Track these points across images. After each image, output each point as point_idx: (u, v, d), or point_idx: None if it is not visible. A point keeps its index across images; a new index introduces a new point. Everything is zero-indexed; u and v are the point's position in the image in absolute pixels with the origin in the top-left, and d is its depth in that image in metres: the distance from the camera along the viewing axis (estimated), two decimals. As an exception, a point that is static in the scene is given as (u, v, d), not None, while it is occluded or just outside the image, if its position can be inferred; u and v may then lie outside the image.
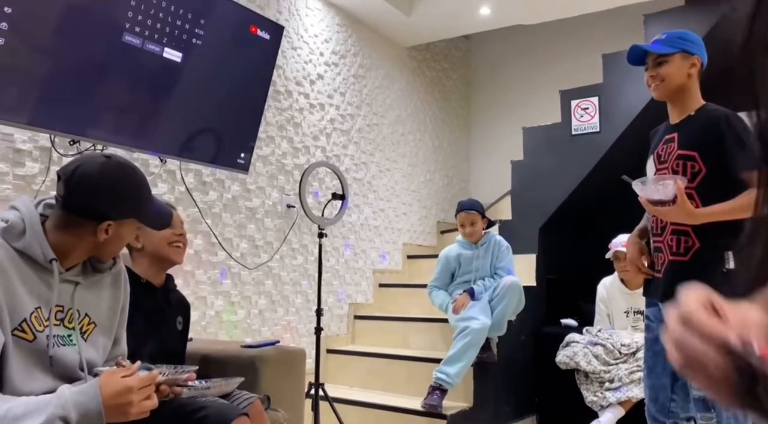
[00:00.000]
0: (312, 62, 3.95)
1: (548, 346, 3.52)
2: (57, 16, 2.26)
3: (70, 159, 2.51)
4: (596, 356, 3.14)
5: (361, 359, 3.79)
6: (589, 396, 3.11)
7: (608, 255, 3.38)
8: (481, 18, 4.32)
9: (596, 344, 3.19)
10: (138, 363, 1.23)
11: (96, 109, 2.43)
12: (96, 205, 1.34)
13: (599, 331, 3.31)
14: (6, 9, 2.07)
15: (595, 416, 3.07)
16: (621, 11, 4.27)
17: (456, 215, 3.52)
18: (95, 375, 1.29)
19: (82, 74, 2.36)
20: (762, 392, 0.42)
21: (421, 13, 4.34)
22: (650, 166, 2.01)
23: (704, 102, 1.98)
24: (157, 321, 1.81)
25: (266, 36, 3.06)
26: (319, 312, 3.13)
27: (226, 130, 2.99)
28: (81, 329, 1.38)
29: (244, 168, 3.13)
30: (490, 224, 3.52)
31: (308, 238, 3.79)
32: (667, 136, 1.97)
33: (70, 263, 1.37)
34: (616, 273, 3.41)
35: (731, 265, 1.78)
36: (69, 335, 1.35)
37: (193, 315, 3.04)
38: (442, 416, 3.05)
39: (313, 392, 2.95)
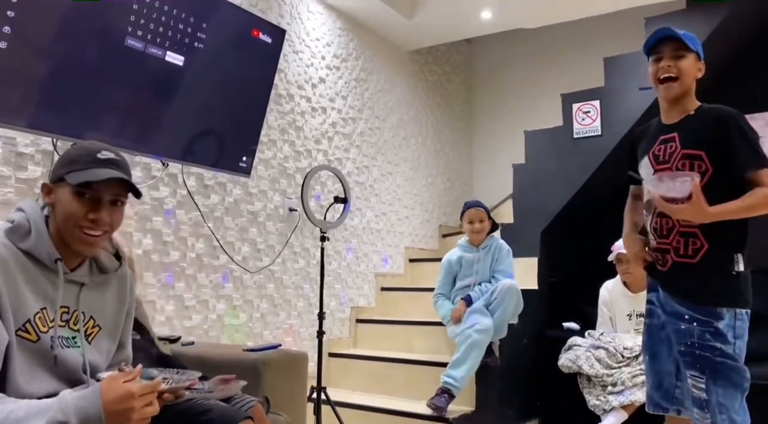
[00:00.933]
0: (314, 66, 3.95)
1: (550, 349, 3.51)
2: (59, 19, 2.26)
3: (72, 163, 2.52)
4: (599, 360, 3.13)
5: (363, 362, 3.78)
6: (592, 400, 3.10)
7: (610, 258, 3.37)
8: (483, 22, 4.32)
9: (599, 347, 3.18)
10: (139, 367, 1.22)
11: (98, 113, 2.44)
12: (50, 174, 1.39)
13: (602, 334, 3.30)
14: (9, 13, 2.08)
15: (597, 419, 3.05)
16: (622, 14, 4.27)
17: (462, 215, 3.52)
18: (98, 380, 1.29)
19: (84, 78, 2.36)
20: None
21: (423, 17, 4.35)
22: (646, 167, 1.93)
23: (700, 103, 1.93)
24: None
25: (268, 40, 3.07)
26: (321, 316, 3.13)
27: (227, 133, 2.99)
28: (86, 331, 1.38)
29: (246, 172, 3.14)
30: (494, 226, 3.53)
31: (310, 241, 3.79)
32: (663, 136, 1.89)
33: (73, 261, 1.37)
34: (618, 276, 3.40)
35: (741, 267, 1.77)
36: (74, 337, 1.35)
37: (195, 319, 3.05)
38: (445, 420, 3.04)
39: (315, 395, 2.95)
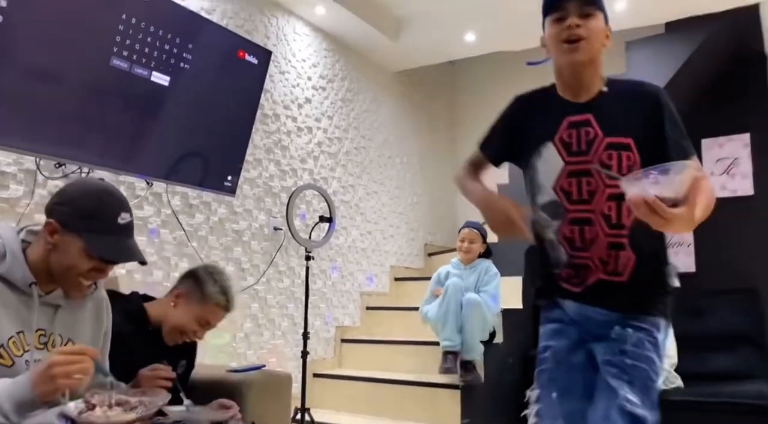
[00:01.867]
0: (300, 86, 3.98)
1: (535, 369, 3.51)
2: (45, 39, 2.27)
3: (55, 182, 2.51)
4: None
5: (348, 383, 3.76)
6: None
7: None
8: (467, 44, 4.39)
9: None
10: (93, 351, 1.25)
11: (82, 132, 2.44)
12: (54, 205, 1.37)
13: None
14: (-6, 33, 2.08)
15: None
16: (603, 38, 4.35)
17: (459, 231, 3.60)
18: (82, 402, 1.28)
19: (69, 97, 2.37)
20: None
21: (408, 39, 4.41)
22: (552, 156, 1.49)
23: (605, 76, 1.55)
24: (141, 360, 1.78)
25: (254, 60, 3.09)
26: (305, 335, 3.12)
27: (213, 153, 3.00)
28: None
29: (231, 191, 3.14)
30: (488, 252, 3.56)
31: (295, 260, 3.78)
32: (572, 118, 1.48)
33: (48, 284, 1.37)
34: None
35: (676, 282, 1.50)
36: None
37: (178, 339, 3.02)
38: None
39: (299, 417, 2.92)
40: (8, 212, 2.39)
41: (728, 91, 4.28)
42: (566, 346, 1.52)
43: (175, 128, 2.79)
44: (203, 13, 3.20)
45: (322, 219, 3.46)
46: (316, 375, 3.83)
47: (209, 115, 2.93)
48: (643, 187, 1.21)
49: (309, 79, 4.07)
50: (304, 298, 3.29)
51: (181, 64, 2.73)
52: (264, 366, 2.44)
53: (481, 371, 3.37)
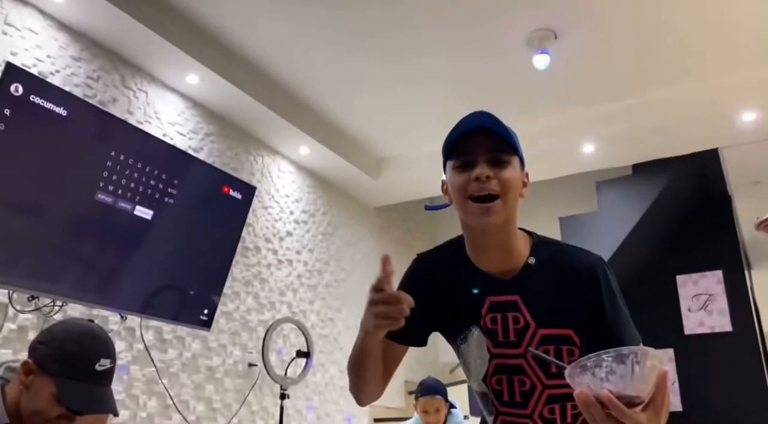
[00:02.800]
0: (282, 220, 4.05)
1: None
2: (31, 172, 2.32)
3: (26, 316, 2.44)
4: None
5: None
6: None
7: None
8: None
9: None
10: None
11: (60, 265, 2.42)
12: (36, 344, 1.35)
13: None
14: (-17, 167, 2.13)
15: None
16: (574, 177, 4.57)
17: (417, 399, 3.11)
18: None
19: (50, 230, 2.37)
20: None
21: (389, 177, 4.58)
22: (478, 344, 1.20)
23: (525, 232, 1.27)
24: None
25: (238, 196, 3.17)
26: (277, 483, 2.90)
27: (191, 286, 2.97)
28: None
29: (207, 325, 3.07)
30: (451, 406, 3.22)
31: (269, 400, 3.61)
32: (494, 298, 1.18)
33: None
34: None
35: None
36: None
37: (139, 488, 2.79)
38: None
39: None
40: (-29, 346, 2.29)
41: (698, 229, 4.44)
42: None
43: (154, 262, 2.78)
44: (191, 151, 3.32)
45: (299, 354, 3.36)
46: None
47: (190, 248, 2.94)
48: (594, 382, 0.83)
49: (291, 213, 4.16)
50: (277, 441, 3.11)
51: (166, 199, 2.78)
52: None
53: None
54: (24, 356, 1.39)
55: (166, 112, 3.28)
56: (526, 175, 1.24)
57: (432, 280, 1.25)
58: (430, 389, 3.06)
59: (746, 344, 4.10)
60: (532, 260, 1.20)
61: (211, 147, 3.55)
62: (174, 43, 2.96)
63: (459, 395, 3.49)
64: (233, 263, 3.26)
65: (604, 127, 3.92)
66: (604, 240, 4.07)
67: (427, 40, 3.24)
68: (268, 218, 3.93)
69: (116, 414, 1.40)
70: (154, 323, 2.98)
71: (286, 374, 3.41)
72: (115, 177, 2.56)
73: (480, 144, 1.15)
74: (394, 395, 4.92)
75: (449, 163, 1.22)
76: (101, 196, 2.51)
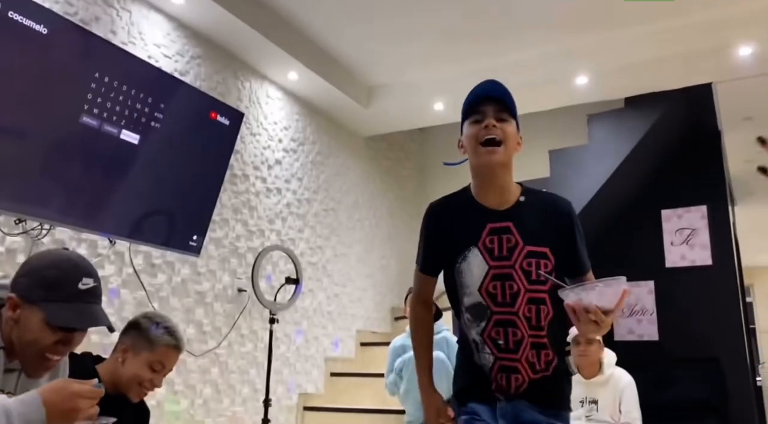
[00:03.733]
0: (270, 148, 4.01)
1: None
2: (14, 92, 2.26)
3: (14, 238, 2.44)
4: (550, 450, 3.08)
5: (310, 453, 3.62)
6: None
7: (569, 339, 3.37)
8: (435, 113, 4.51)
9: (550, 436, 3.14)
10: (93, 380, 1.21)
11: (46, 188, 2.39)
12: (17, 278, 1.35)
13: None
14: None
15: None
16: (566, 110, 4.53)
17: (406, 300, 3.50)
18: None
19: (35, 152, 2.34)
20: None
21: (379, 106, 4.51)
22: (477, 260, 1.55)
23: (517, 183, 1.65)
24: None
25: (226, 122, 3.12)
26: (266, 403, 3.01)
27: (179, 212, 2.97)
28: None
29: (196, 251, 3.09)
30: (438, 314, 3.47)
31: (259, 324, 3.70)
32: (494, 225, 1.55)
33: (13, 354, 1.33)
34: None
35: (575, 370, 1.67)
36: None
37: (133, 405, 2.88)
38: None
39: (257, 489, 2.79)
40: (-39, 268, 2.30)
41: (686, 164, 4.46)
42: None
43: (142, 187, 2.76)
44: (177, 75, 3.24)
45: (288, 281, 3.41)
46: (276, 445, 3.68)
47: (178, 174, 2.92)
48: (588, 297, 1.34)
49: (280, 141, 4.11)
50: (266, 363, 3.20)
51: (152, 123, 2.73)
52: (222, 435, 2.34)
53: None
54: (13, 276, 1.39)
55: (151, 33, 3.17)
56: (521, 136, 1.61)
57: (442, 218, 1.64)
58: None
59: (724, 278, 4.22)
60: (522, 198, 1.60)
61: (197, 71, 3.46)
62: (157, -41, 2.83)
63: (446, 320, 3.59)
64: (222, 189, 3.25)
65: (599, 58, 3.86)
66: (593, 173, 4.09)
67: (422, -38, 3.11)
68: (257, 145, 3.89)
69: (111, 329, 1.41)
70: (143, 248, 3.00)
71: (275, 299, 3.47)
72: (99, 100, 2.50)
73: (489, 106, 1.55)
74: (380, 321, 5.05)
75: (467, 121, 1.59)
76: (86, 119, 2.46)
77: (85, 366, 1.82)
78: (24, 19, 2.21)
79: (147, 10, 3.16)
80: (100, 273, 2.78)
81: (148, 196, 2.81)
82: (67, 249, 2.19)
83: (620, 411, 3.20)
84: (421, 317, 1.75)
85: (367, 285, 4.93)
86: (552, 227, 1.56)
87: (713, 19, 3.50)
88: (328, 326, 4.39)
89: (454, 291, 1.61)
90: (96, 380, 1.22)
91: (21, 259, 2.41)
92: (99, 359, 1.93)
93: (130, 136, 2.64)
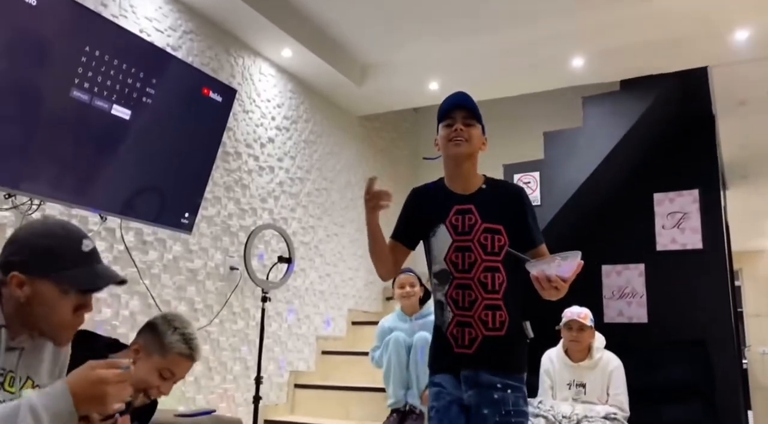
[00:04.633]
0: (263, 126, 3.98)
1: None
2: (3, 66, 2.22)
3: (4, 214, 2.42)
4: (538, 429, 3.12)
5: (300, 430, 3.65)
6: (531, 470, 3.07)
7: (561, 324, 3.40)
8: (430, 92, 4.48)
9: (537, 415, 3.18)
10: (126, 362, 1.18)
11: (36, 164, 2.37)
12: (8, 256, 1.28)
13: (540, 403, 3.31)
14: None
15: (537, 491, 3.02)
16: (561, 92, 4.51)
17: (394, 282, 3.53)
18: None
19: (24, 127, 2.30)
20: None
21: (373, 85, 4.48)
22: (443, 235, 1.88)
23: (481, 175, 1.97)
24: None
25: (218, 98, 3.09)
26: (258, 380, 3.03)
27: (171, 189, 2.95)
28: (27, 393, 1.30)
29: (188, 228, 3.08)
30: (427, 296, 3.52)
31: (250, 302, 3.70)
32: (459, 206, 1.89)
33: (16, 330, 1.29)
34: (560, 344, 3.45)
35: (531, 333, 1.88)
36: (11, 400, 1.26)
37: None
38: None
39: (247, 465, 2.81)
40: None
41: (679, 148, 4.46)
42: (445, 404, 1.84)
43: (133, 162, 2.74)
44: (169, 49, 3.19)
45: (281, 259, 3.41)
46: (267, 422, 3.71)
47: (169, 150, 2.89)
48: (549, 269, 1.66)
49: (273, 119, 4.08)
50: (258, 341, 3.21)
51: (144, 99, 2.70)
52: (214, 411, 2.35)
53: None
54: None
55: (143, 6, 3.12)
56: (486, 138, 1.97)
57: (421, 199, 2.00)
58: (405, 270, 3.47)
59: (714, 262, 4.25)
60: (484, 186, 1.94)
61: (190, 46, 3.41)
62: (149, -70, 2.77)
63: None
64: (214, 167, 3.23)
65: (596, 40, 3.83)
66: (587, 156, 4.09)
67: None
68: (249, 122, 3.86)
69: (124, 281, 1.38)
70: (134, 224, 2.98)
71: (267, 278, 3.47)
72: (90, 74, 2.46)
73: (458, 113, 1.91)
74: (371, 301, 5.07)
75: (441, 124, 1.94)
76: (76, 94, 2.42)
77: (97, 355, 1.78)
78: (12, -11, 2.17)
79: (138, -18, 3.10)
80: (91, 249, 2.78)
81: (140, 172, 2.79)
82: (47, 217, 2.16)
83: (608, 394, 3.25)
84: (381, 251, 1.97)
85: (359, 265, 4.93)
86: (506, 208, 1.89)
87: (710, 2, 3.48)
88: (319, 305, 4.41)
89: (428, 261, 1.94)
90: (126, 361, 1.17)
91: (9, 233, 2.39)
92: (116, 344, 1.89)
93: (122, 112, 2.61)
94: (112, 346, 1.86)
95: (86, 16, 2.49)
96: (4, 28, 2.20)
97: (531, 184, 4.21)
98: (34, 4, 2.24)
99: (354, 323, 4.73)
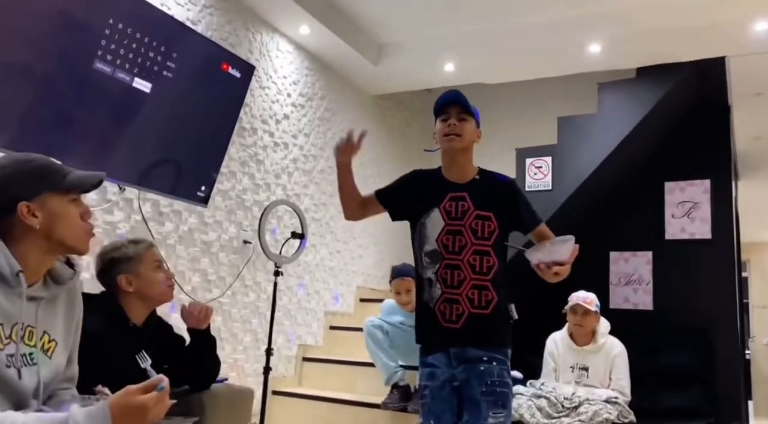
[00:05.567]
0: (279, 102, 4.01)
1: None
2: (27, 36, 2.26)
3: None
4: (540, 409, 3.18)
5: (308, 402, 3.74)
6: (532, 449, 3.14)
7: (567, 308, 3.45)
8: (445, 74, 4.49)
9: (540, 396, 3.24)
10: (161, 377, 1.21)
11: (54, 132, 2.41)
12: (5, 196, 1.30)
13: (543, 384, 3.37)
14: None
15: (536, 469, 3.09)
16: (577, 78, 4.50)
17: (390, 282, 3.51)
18: (49, 397, 1.25)
19: (45, 96, 2.35)
20: None
21: (388, 65, 4.48)
22: (437, 219, 2.01)
23: (476, 166, 2.11)
24: (126, 359, 1.77)
25: (237, 74, 3.12)
26: (269, 352, 3.10)
27: (188, 162, 3.00)
28: (43, 346, 1.34)
29: (204, 201, 3.13)
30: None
31: (262, 275, 3.77)
32: (453, 194, 2.02)
33: (32, 276, 1.32)
34: (565, 328, 3.50)
35: (515, 315, 2.00)
36: (30, 353, 1.30)
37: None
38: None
39: (256, 433, 2.90)
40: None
41: (692, 137, 4.46)
42: (436, 385, 1.98)
43: (152, 135, 2.78)
44: (189, 24, 3.22)
45: (294, 235, 3.46)
46: (275, 392, 3.80)
47: (188, 124, 2.93)
48: (544, 256, 1.82)
49: (289, 95, 4.11)
50: (269, 314, 3.28)
51: (164, 72, 2.74)
52: (227, 380, 2.43)
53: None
54: None
55: (164, -21, 3.14)
56: (480, 131, 2.12)
57: (419, 182, 2.14)
58: (401, 273, 3.43)
59: (722, 253, 4.27)
60: (477, 176, 2.08)
61: (209, 20, 3.44)
62: None
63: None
64: (230, 142, 3.27)
65: (613, 26, 3.81)
66: (600, 142, 4.10)
67: None
68: (265, 98, 3.89)
69: (103, 178, 1.48)
70: (151, 196, 3.04)
71: (280, 253, 3.53)
72: (113, 46, 2.50)
73: (453, 108, 2.06)
74: (379, 279, 5.14)
75: (438, 119, 2.10)
76: (99, 65, 2.46)
77: (110, 304, 1.94)
78: (39, -40, 2.19)
79: (160, -45, 3.12)
80: (109, 218, 2.85)
81: (158, 145, 2.84)
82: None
83: (610, 378, 3.30)
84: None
85: (369, 243, 4.99)
86: (497, 197, 2.02)
87: (733, -9, 3.46)
88: (329, 281, 4.47)
89: (417, 240, 2.05)
90: (163, 382, 1.21)
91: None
92: (180, 340, 2.16)
93: (142, 85, 2.65)
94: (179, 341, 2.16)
95: (110, -12, 2.52)
96: (30, 2, 2.24)
97: (543, 169, 4.23)
98: (61, -25, 2.27)
99: (362, 300, 4.80)
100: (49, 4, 2.30)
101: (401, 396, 3.35)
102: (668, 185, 4.46)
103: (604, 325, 3.42)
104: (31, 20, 2.26)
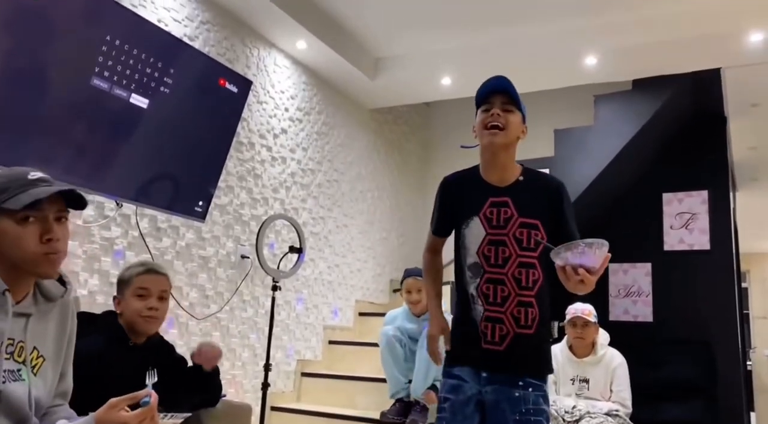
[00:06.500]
0: (277, 117, 4.02)
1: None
2: (26, 52, 2.27)
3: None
4: (541, 423, 3.17)
5: (307, 418, 3.70)
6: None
7: (565, 322, 3.43)
8: (442, 87, 4.51)
9: (541, 410, 3.22)
10: (148, 391, 1.22)
11: (51, 147, 2.42)
12: None
13: (544, 397, 3.35)
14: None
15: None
16: (573, 90, 4.52)
17: (402, 282, 3.53)
18: (43, 415, 1.24)
19: (46, 112, 2.35)
20: None
21: (386, 79, 4.50)
22: (477, 227, 1.81)
23: (519, 164, 1.89)
24: (126, 379, 1.76)
25: (234, 89, 3.13)
26: (267, 367, 3.08)
27: (185, 177, 3.00)
28: (31, 362, 1.33)
29: (201, 216, 3.13)
30: None
31: (260, 290, 3.76)
32: (494, 199, 1.81)
33: (18, 293, 1.31)
34: (564, 340, 3.48)
35: (556, 334, 1.84)
36: (19, 370, 1.30)
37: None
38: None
39: (254, 450, 2.87)
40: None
41: (689, 148, 4.47)
42: (459, 399, 1.78)
43: (149, 150, 2.79)
44: (186, 39, 3.23)
45: (291, 249, 3.45)
46: (274, 408, 3.77)
47: (185, 139, 2.94)
48: (573, 257, 1.54)
49: (286, 110, 4.12)
50: (267, 329, 3.26)
51: (162, 88, 2.75)
52: (225, 396, 2.40)
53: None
54: None
55: (161, -4, 3.16)
56: (526, 127, 1.86)
57: (453, 189, 1.92)
58: (413, 273, 3.46)
59: (721, 263, 4.27)
60: (521, 178, 1.84)
61: (206, 36, 3.45)
62: None
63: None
64: (228, 157, 3.28)
65: (609, 39, 3.84)
66: (597, 154, 4.11)
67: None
68: (263, 113, 3.90)
69: (84, 206, 1.36)
70: (149, 211, 3.04)
71: (278, 267, 3.52)
72: (110, 63, 2.51)
73: (497, 98, 1.81)
74: (379, 292, 5.12)
75: (479, 110, 1.84)
76: (96, 82, 2.47)
77: (111, 324, 1.98)
78: (37, -22, 2.21)
79: (158, -27, 3.14)
80: (106, 235, 2.84)
81: (156, 160, 2.84)
82: None
83: (611, 390, 3.28)
84: (430, 260, 2.05)
85: (368, 257, 4.98)
86: (544, 202, 1.80)
87: (726, 3, 3.48)
88: (328, 295, 4.46)
89: (458, 251, 1.87)
90: (150, 396, 1.21)
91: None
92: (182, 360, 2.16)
93: (140, 101, 2.66)
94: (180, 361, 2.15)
95: (107, 5, 2.54)
96: (27, 17, 2.25)
97: (540, 181, 4.23)
98: (58, -7, 2.28)
99: (361, 314, 4.78)
100: (46, 21, 2.31)
101: (401, 410, 3.33)
102: (666, 196, 4.47)
103: (603, 336, 3.40)
104: (29, 37, 2.26)
